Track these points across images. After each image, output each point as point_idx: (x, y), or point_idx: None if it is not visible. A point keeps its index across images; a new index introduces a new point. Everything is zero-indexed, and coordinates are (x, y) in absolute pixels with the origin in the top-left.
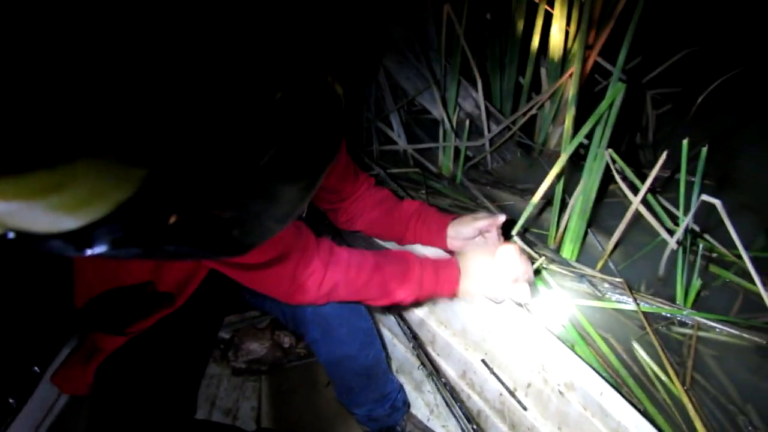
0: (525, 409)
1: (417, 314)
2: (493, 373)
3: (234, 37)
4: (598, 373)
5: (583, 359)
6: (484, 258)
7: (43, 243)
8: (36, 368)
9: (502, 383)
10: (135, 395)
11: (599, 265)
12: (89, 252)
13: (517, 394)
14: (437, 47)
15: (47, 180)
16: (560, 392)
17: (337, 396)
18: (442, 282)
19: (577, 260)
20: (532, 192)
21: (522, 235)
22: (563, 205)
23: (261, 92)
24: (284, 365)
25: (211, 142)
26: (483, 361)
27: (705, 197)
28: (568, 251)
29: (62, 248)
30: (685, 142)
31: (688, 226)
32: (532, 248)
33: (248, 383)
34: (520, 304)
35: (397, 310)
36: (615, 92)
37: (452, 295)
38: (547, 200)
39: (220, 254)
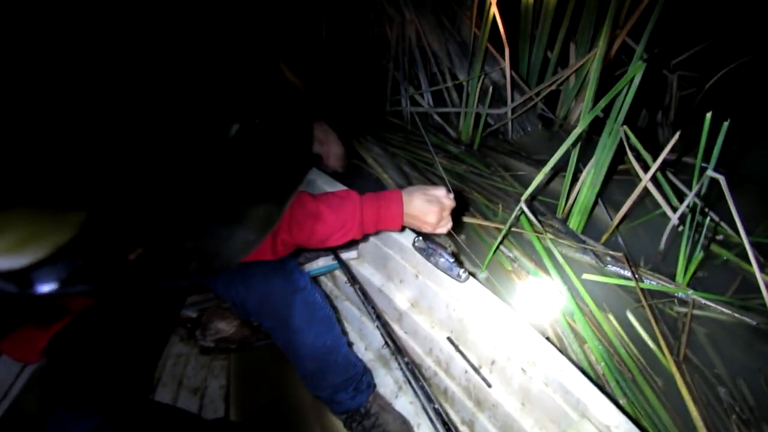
0: (489, 386)
1: (384, 293)
2: (459, 351)
3: (179, 71)
4: (557, 352)
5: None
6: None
7: None
8: None
9: (467, 361)
10: (89, 371)
11: (604, 238)
12: (33, 291)
13: (482, 371)
14: (469, 13)
15: None
16: (523, 369)
17: (299, 378)
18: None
19: (583, 232)
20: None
21: (530, 203)
22: (575, 177)
23: (212, 127)
24: (253, 344)
25: (161, 181)
26: (449, 338)
27: (710, 173)
28: (575, 222)
29: (3, 286)
30: (708, 115)
31: (690, 202)
32: (539, 217)
33: (216, 362)
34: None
35: (363, 289)
36: (635, 70)
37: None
38: (559, 171)
39: (184, 280)
